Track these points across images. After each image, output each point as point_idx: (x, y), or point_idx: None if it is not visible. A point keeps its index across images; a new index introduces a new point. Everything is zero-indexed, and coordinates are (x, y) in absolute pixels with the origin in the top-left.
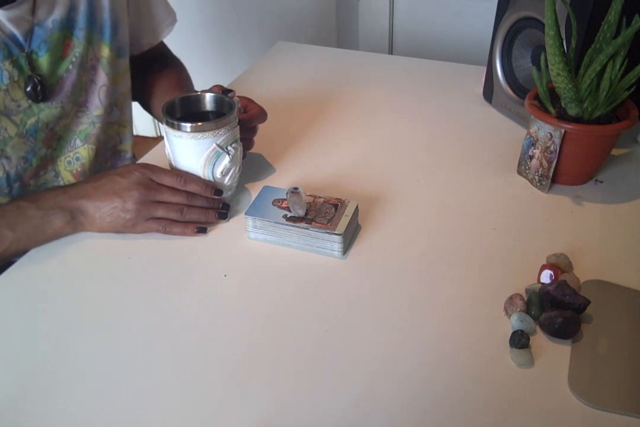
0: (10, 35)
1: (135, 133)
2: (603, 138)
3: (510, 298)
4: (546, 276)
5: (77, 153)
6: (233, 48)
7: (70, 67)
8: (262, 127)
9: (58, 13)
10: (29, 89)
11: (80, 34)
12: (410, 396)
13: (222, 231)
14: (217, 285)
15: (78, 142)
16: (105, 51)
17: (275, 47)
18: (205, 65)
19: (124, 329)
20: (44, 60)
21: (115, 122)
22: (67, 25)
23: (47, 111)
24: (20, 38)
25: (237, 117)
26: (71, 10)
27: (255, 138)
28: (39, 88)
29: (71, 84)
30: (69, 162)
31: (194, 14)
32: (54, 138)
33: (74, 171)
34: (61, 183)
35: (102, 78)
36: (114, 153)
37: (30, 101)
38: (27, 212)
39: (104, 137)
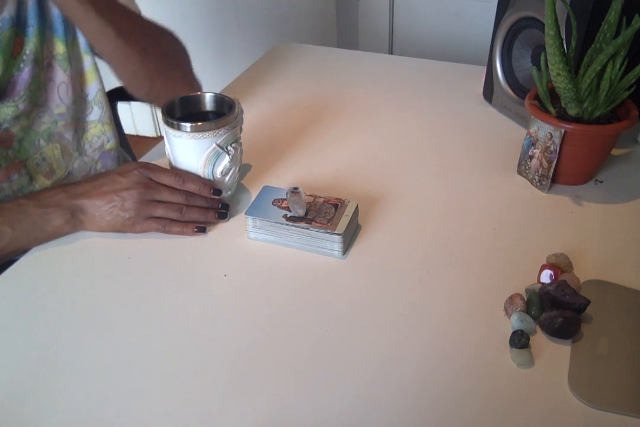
0: None
1: (135, 133)
2: (603, 138)
3: (510, 298)
4: (546, 276)
5: (42, 153)
6: (233, 48)
7: (22, 65)
8: (262, 127)
9: (7, 12)
10: None
11: (30, 31)
12: (410, 396)
13: (222, 231)
14: (217, 285)
15: (42, 142)
16: (60, 48)
17: (276, 47)
18: (205, 66)
19: (123, 328)
20: None
21: (99, 120)
22: (17, 23)
23: None
24: None
25: (237, 117)
26: (19, 6)
27: (254, 138)
28: None
29: (24, 83)
30: (38, 164)
31: (194, 14)
32: (11, 139)
33: (44, 172)
34: (36, 187)
35: (59, 75)
36: (103, 153)
37: None
38: (27, 210)
39: (72, 136)
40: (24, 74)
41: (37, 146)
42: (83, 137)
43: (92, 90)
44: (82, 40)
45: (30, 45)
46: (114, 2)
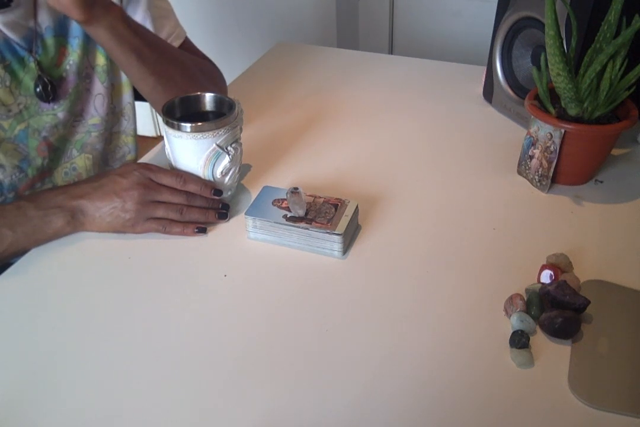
0: (4, 39)
1: None
2: (603, 138)
3: (510, 298)
4: (546, 276)
5: (74, 163)
6: (233, 48)
7: (64, 74)
8: (262, 127)
9: (52, 20)
10: (39, 89)
11: (74, 42)
12: (410, 396)
13: (222, 231)
14: (217, 285)
15: (74, 152)
16: (101, 60)
17: (275, 47)
18: None
19: (123, 328)
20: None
21: (123, 132)
22: (61, 33)
23: (37, 118)
24: (19, 41)
25: (237, 117)
26: (65, 17)
27: (254, 138)
28: (49, 88)
29: (65, 93)
30: (66, 173)
31: (194, 14)
32: (50, 149)
33: (71, 182)
34: None
35: (97, 87)
36: (123, 164)
37: (39, 101)
38: (27, 212)
39: (103, 146)
40: (65, 84)
41: (69, 156)
42: (108, 148)
43: (123, 102)
44: None
45: (74, 56)
46: (159, 47)
